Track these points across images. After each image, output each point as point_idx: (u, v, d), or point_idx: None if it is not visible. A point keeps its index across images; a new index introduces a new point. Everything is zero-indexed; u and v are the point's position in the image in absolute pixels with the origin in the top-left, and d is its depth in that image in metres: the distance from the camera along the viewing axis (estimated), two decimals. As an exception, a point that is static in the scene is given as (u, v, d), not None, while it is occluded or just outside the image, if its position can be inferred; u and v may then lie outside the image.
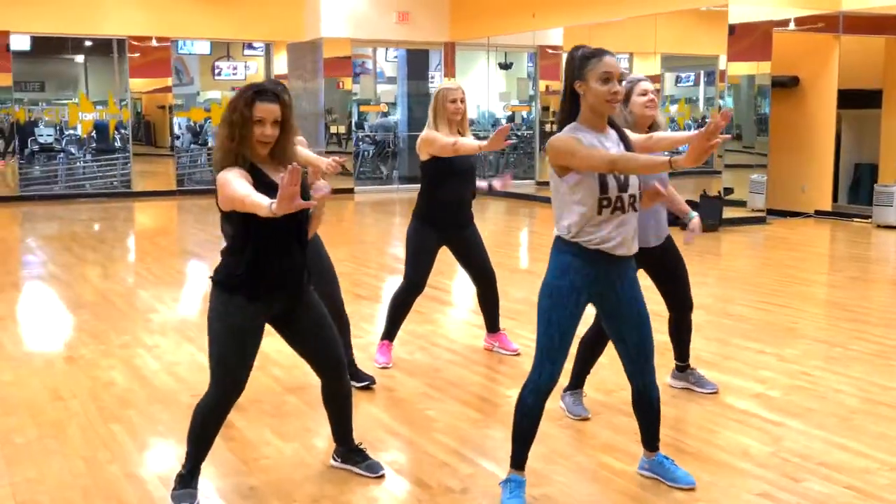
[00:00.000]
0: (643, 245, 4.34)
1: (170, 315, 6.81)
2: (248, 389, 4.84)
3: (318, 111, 16.57)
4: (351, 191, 16.42)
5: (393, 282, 6.81)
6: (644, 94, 4.35)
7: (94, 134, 16.53)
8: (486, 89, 17.78)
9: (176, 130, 17.02)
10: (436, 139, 5.10)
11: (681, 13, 13.16)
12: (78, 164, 16.55)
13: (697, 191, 12.17)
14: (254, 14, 16.25)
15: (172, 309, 7.17)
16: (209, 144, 16.81)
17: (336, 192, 16.19)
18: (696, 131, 3.94)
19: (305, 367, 5.01)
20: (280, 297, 3.47)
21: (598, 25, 14.35)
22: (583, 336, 4.45)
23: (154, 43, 15.93)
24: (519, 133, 17.83)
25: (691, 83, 17.97)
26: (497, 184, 5.18)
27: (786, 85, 12.46)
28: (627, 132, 3.55)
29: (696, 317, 6.47)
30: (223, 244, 3.61)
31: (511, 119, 18.58)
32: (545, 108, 16.89)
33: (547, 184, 3.82)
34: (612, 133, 3.38)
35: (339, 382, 3.70)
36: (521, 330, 5.86)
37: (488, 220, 13.86)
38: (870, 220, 11.48)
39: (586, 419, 4.41)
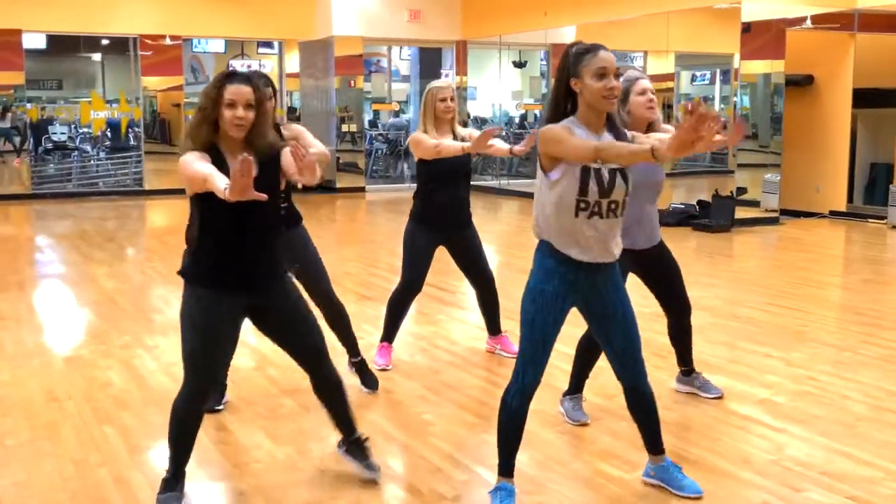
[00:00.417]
0: (631, 247, 4.27)
1: (172, 315, 6.72)
2: (242, 390, 4.86)
3: (329, 110, 16.53)
4: (362, 189, 16.38)
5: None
6: (643, 93, 4.24)
7: (107, 132, 16.56)
8: (498, 88, 17.71)
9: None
10: (420, 141, 5.06)
11: (694, 11, 13.04)
12: (91, 162, 16.58)
13: (710, 191, 12.05)
14: (266, 12, 16.22)
15: (176, 309, 7.11)
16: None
17: (347, 190, 16.30)
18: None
19: (297, 367, 4.99)
20: (247, 288, 3.39)
21: (610, 23, 14.25)
22: (580, 340, 4.38)
23: (168, 41, 15.93)
24: (532, 132, 17.72)
25: (707, 81, 17.83)
26: (518, 148, 5.03)
27: (800, 84, 12.31)
28: (630, 134, 3.45)
29: (703, 319, 6.44)
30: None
31: (524, 118, 18.49)
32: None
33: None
34: (607, 135, 3.28)
35: (321, 371, 3.62)
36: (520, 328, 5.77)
37: (501, 219, 13.81)
38: (885, 221, 11.33)
39: (585, 424, 4.33)
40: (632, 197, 4.20)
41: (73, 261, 9.31)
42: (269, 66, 19.17)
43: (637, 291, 4.56)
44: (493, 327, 5.62)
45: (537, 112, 18.18)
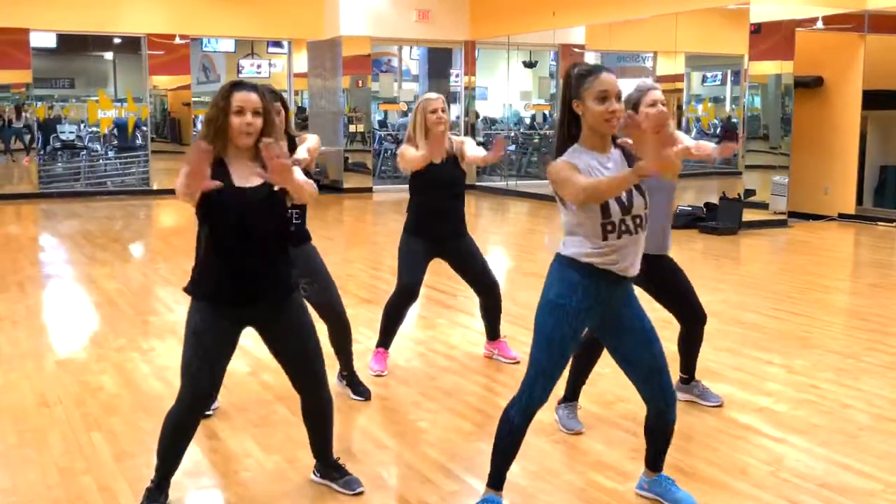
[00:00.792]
0: (663, 251, 4.21)
1: (170, 318, 6.71)
2: (235, 397, 4.80)
3: (337, 110, 16.48)
4: (370, 190, 16.33)
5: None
6: (654, 104, 4.16)
7: (115, 132, 16.57)
8: (507, 88, 17.63)
9: (199, 127, 17.00)
10: (403, 154, 5.07)
11: (704, 12, 12.93)
12: (100, 161, 16.59)
13: (719, 192, 11.95)
14: (274, 12, 16.20)
15: (174, 312, 7.06)
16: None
17: (355, 191, 16.24)
18: (702, 142, 3.82)
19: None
20: (250, 304, 3.33)
21: (619, 24, 14.17)
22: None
23: (178, 40, 15.91)
24: (541, 132, 17.68)
25: (718, 82, 17.70)
26: (490, 156, 4.99)
27: (809, 85, 12.20)
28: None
29: (708, 325, 6.27)
30: None
31: (533, 118, 18.40)
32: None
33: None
34: (616, 153, 3.19)
35: (315, 398, 3.56)
36: (524, 336, 5.70)
37: (508, 220, 13.74)
38: (895, 224, 11.21)
39: (580, 433, 4.25)
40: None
41: (76, 261, 9.29)
42: (279, 65, 19.15)
43: (642, 296, 4.48)
44: (493, 332, 5.55)
45: (546, 112, 18.10)
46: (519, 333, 5.75)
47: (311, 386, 3.53)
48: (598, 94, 3.06)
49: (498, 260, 9.72)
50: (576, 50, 16.05)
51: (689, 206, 11.88)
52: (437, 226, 5.20)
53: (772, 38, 12.00)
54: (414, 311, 6.68)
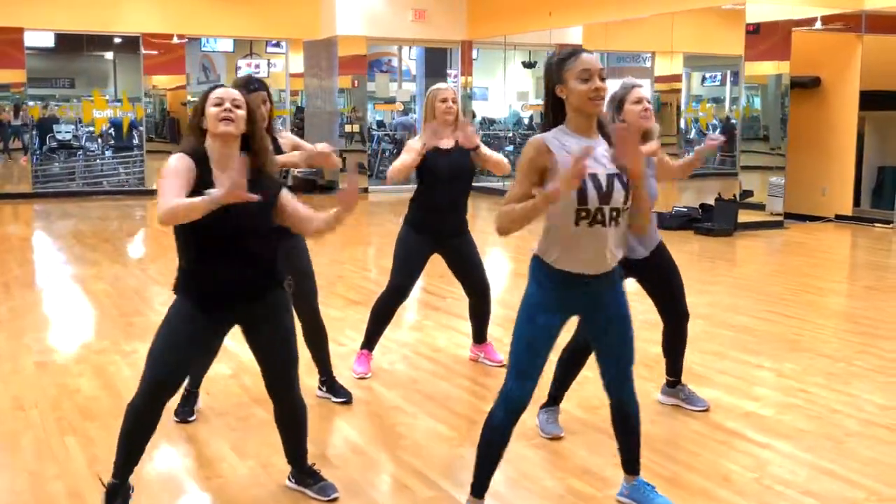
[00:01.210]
0: (630, 257, 4.12)
1: (155, 320, 6.54)
2: (214, 399, 4.73)
3: (333, 109, 16.41)
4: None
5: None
6: (638, 101, 4.10)
7: (111, 131, 16.52)
8: (504, 89, 17.57)
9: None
10: (407, 148, 4.98)
11: (702, 12, 12.86)
12: (97, 161, 16.53)
13: (714, 194, 11.87)
14: (271, 12, 16.11)
15: (159, 314, 6.98)
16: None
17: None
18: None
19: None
20: (228, 305, 3.26)
21: (616, 24, 14.09)
22: (563, 350, 4.22)
23: (176, 40, 15.84)
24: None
25: (717, 83, 17.63)
26: (461, 139, 4.92)
27: (806, 85, 12.12)
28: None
29: (697, 327, 6.25)
30: None
31: (531, 118, 18.33)
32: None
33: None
34: (602, 141, 3.12)
35: (289, 404, 3.49)
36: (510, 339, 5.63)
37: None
38: (892, 226, 11.14)
39: (558, 438, 4.18)
40: None
41: (64, 262, 9.22)
42: (279, 65, 19.08)
43: (632, 297, 4.41)
44: (480, 335, 5.47)
45: (542, 112, 18.03)
46: (506, 336, 5.56)
47: (285, 391, 3.46)
48: (580, 74, 3.01)
49: (493, 262, 9.64)
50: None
51: (684, 207, 11.81)
52: (440, 221, 5.10)
53: (769, 38, 11.93)
54: (401, 313, 6.59)
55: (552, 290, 3.13)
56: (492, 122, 19.21)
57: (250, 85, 4.35)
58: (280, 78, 18.01)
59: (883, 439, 4.21)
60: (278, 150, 4.45)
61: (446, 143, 4.94)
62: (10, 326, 6.40)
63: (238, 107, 3.18)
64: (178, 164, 3.12)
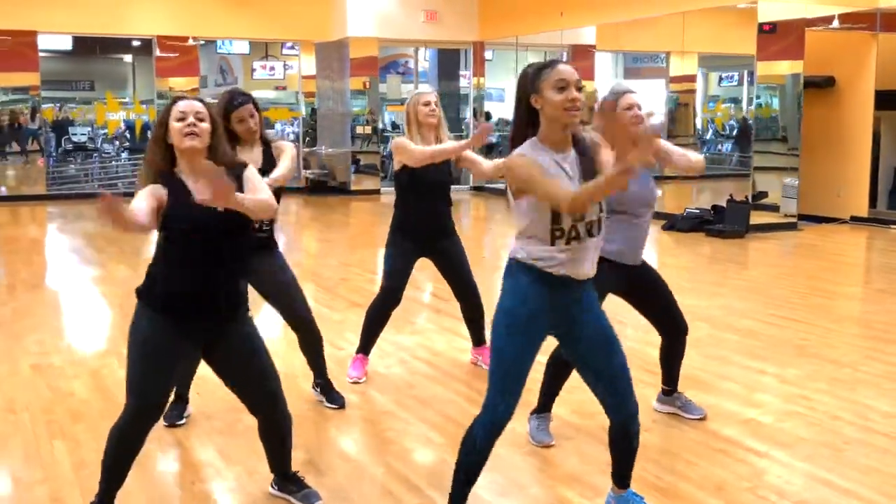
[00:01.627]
0: (617, 259, 4.04)
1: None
2: (203, 404, 4.68)
3: (345, 111, 16.38)
4: (377, 192, 16.21)
5: (408, 297, 6.44)
6: (629, 107, 4.00)
7: (126, 133, 16.57)
8: (513, 89, 17.45)
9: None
10: (405, 147, 4.83)
11: (716, 11, 12.72)
12: (112, 163, 16.58)
13: (726, 195, 11.73)
14: (282, 13, 16.11)
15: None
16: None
17: (363, 192, 16.13)
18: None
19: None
20: (196, 318, 3.20)
21: (629, 24, 13.98)
22: (551, 354, 4.15)
23: (191, 42, 15.85)
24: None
25: (735, 83, 17.47)
26: (471, 141, 4.82)
27: (820, 85, 11.98)
28: (602, 152, 3.18)
29: (701, 331, 6.19)
30: None
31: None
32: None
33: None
34: (572, 154, 3.04)
35: (271, 418, 3.43)
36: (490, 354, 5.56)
37: (502, 220, 13.55)
38: (909, 227, 10.99)
39: (550, 446, 4.10)
40: (632, 210, 4.02)
41: (71, 263, 9.23)
42: (295, 66, 19.06)
43: (621, 302, 4.34)
44: (477, 339, 5.41)
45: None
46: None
47: (265, 406, 3.40)
48: (556, 84, 2.93)
49: (489, 263, 9.56)
50: (585, 51, 15.89)
51: (696, 208, 11.69)
52: (426, 226, 5.06)
53: (782, 37, 11.79)
54: (402, 316, 6.54)
55: (535, 297, 3.03)
56: (508, 122, 19.12)
57: (234, 100, 4.31)
58: (296, 80, 18.00)
59: (883, 448, 4.11)
60: (271, 160, 4.39)
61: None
62: (11, 328, 6.39)
63: (201, 120, 3.14)
64: (149, 190, 3.13)
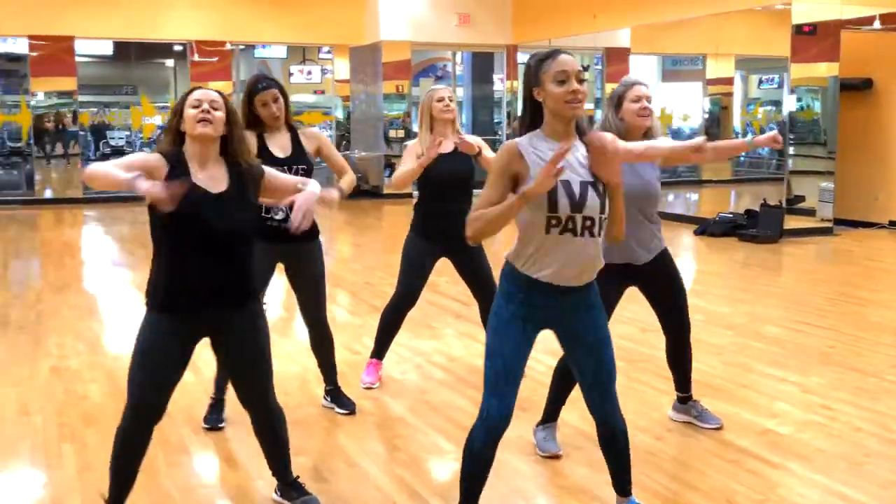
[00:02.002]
0: (632, 262, 3.98)
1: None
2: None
3: (378, 115, 16.39)
4: (410, 196, 16.17)
5: (429, 301, 6.38)
6: (637, 99, 3.93)
7: (162, 137, 16.72)
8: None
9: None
10: (402, 158, 4.92)
11: (752, 13, 12.55)
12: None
13: (769, 198, 11.52)
14: (316, 18, 16.15)
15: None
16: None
17: (396, 196, 16.09)
18: (693, 141, 3.55)
19: (282, 385, 4.80)
20: (202, 312, 3.17)
21: (664, 26, 13.83)
22: (556, 364, 4.08)
23: (229, 46, 15.97)
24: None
25: (775, 85, 17.22)
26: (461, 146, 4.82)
27: (857, 88, 11.75)
28: (620, 143, 3.13)
29: (725, 338, 6.09)
30: None
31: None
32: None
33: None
34: (580, 146, 2.99)
35: (264, 415, 3.41)
36: (541, 354, 5.48)
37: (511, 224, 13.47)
38: (947, 233, 10.73)
39: (557, 456, 4.02)
40: (627, 209, 3.93)
41: (102, 266, 9.31)
42: (331, 70, 19.12)
43: (642, 302, 4.26)
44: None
45: (590, 116, 17.79)
46: (534, 348, 5.53)
47: (258, 402, 3.37)
48: (556, 76, 2.88)
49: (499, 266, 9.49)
50: (620, 53, 15.76)
51: (729, 213, 11.52)
52: (444, 226, 4.95)
53: (817, 39, 11.59)
54: (420, 320, 6.54)
55: (522, 299, 2.99)
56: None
57: (259, 83, 4.30)
58: (332, 84, 18.05)
59: (904, 460, 4.00)
60: (299, 146, 4.38)
61: (446, 147, 4.80)
62: (35, 330, 6.44)
63: (216, 108, 3.12)
64: (145, 156, 3.10)
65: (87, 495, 3.63)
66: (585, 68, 17.95)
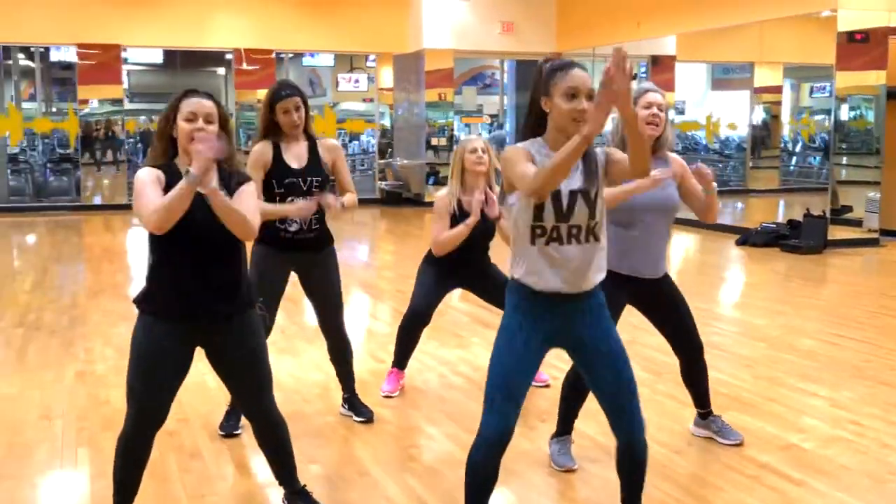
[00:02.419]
0: (633, 274, 3.88)
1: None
2: (219, 417, 4.63)
3: (421, 123, 16.41)
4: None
5: (446, 306, 6.37)
6: (648, 106, 3.84)
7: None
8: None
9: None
10: (435, 240, 4.90)
11: (800, 21, 12.34)
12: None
13: (816, 208, 11.31)
14: (361, 26, 16.23)
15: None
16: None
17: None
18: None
19: (302, 392, 4.80)
20: (197, 319, 3.16)
21: (710, 33, 13.68)
22: (565, 376, 4.02)
23: (273, 55, 16.14)
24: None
25: (826, 94, 16.93)
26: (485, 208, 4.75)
27: (906, 96, 11.51)
28: (615, 154, 3.04)
29: (758, 350, 5.97)
30: None
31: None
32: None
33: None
34: (579, 163, 2.88)
35: (263, 423, 3.39)
36: (555, 360, 5.41)
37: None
38: None
39: (572, 470, 3.95)
40: (640, 219, 3.86)
41: (138, 272, 9.38)
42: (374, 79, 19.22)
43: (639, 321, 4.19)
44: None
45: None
46: (549, 355, 5.45)
47: (258, 411, 3.35)
48: (566, 91, 2.81)
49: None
50: (665, 61, 15.61)
51: (772, 223, 11.32)
52: (462, 264, 4.98)
53: (865, 46, 11.36)
54: (448, 328, 6.51)
55: (526, 310, 2.93)
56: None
57: (282, 90, 4.28)
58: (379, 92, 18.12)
59: (931, 480, 3.86)
60: (316, 156, 4.36)
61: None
62: (66, 335, 6.52)
63: (210, 122, 3.10)
64: (148, 176, 3.07)
65: (98, 500, 3.64)
66: (633, 77, 17.88)
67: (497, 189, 4.94)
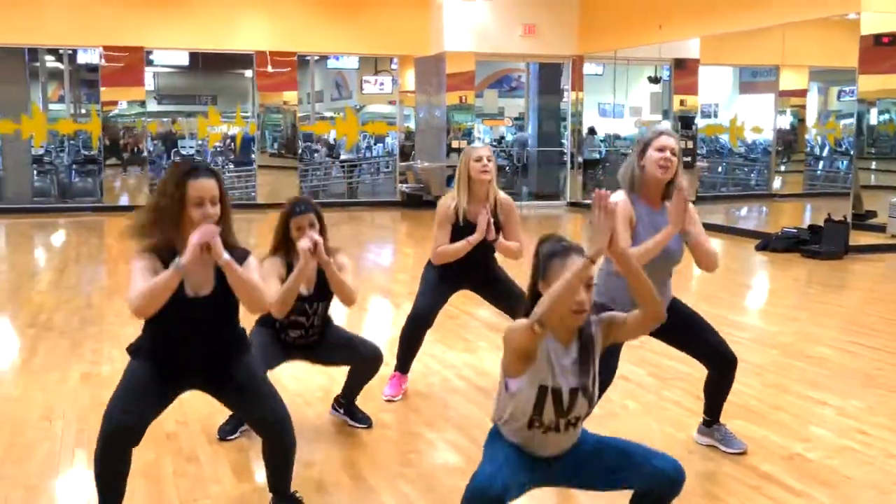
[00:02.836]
0: None
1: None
2: (218, 420, 4.61)
3: (441, 125, 16.39)
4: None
5: (467, 312, 6.34)
6: (661, 149, 3.76)
7: (231, 146, 16.99)
8: (613, 104, 17.13)
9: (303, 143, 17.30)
10: (434, 251, 4.89)
11: (825, 24, 12.20)
12: (217, 175, 17.06)
13: (839, 213, 11.15)
14: (383, 29, 16.25)
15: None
16: (340, 157, 17.37)
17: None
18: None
19: (304, 395, 4.77)
20: (185, 376, 3.31)
21: (734, 36, 13.56)
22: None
23: (298, 58, 16.21)
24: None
25: (854, 97, 16.73)
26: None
27: (931, 100, 11.33)
28: (613, 318, 2.97)
29: (769, 357, 5.88)
30: None
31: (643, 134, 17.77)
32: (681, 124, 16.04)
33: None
34: (573, 346, 2.86)
35: (278, 444, 3.39)
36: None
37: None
38: None
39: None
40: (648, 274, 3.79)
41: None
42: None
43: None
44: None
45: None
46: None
47: (272, 432, 3.36)
48: (558, 274, 2.74)
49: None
50: (689, 64, 15.50)
51: (793, 228, 11.19)
52: (463, 275, 4.98)
53: (892, 49, 11.21)
54: (455, 332, 6.48)
55: (508, 457, 2.87)
56: (616, 137, 18.67)
57: (297, 207, 4.21)
58: (403, 95, 18.12)
59: (936, 492, 3.77)
60: (324, 277, 4.22)
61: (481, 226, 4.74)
62: (75, 336, 6.53)
63: (214, 203, 3.15)
64: (144, 264, 3.13)
65: (95, 502, 3.62)
66: (657, 80, 17.68)
67: (500, 195, 4.91)
